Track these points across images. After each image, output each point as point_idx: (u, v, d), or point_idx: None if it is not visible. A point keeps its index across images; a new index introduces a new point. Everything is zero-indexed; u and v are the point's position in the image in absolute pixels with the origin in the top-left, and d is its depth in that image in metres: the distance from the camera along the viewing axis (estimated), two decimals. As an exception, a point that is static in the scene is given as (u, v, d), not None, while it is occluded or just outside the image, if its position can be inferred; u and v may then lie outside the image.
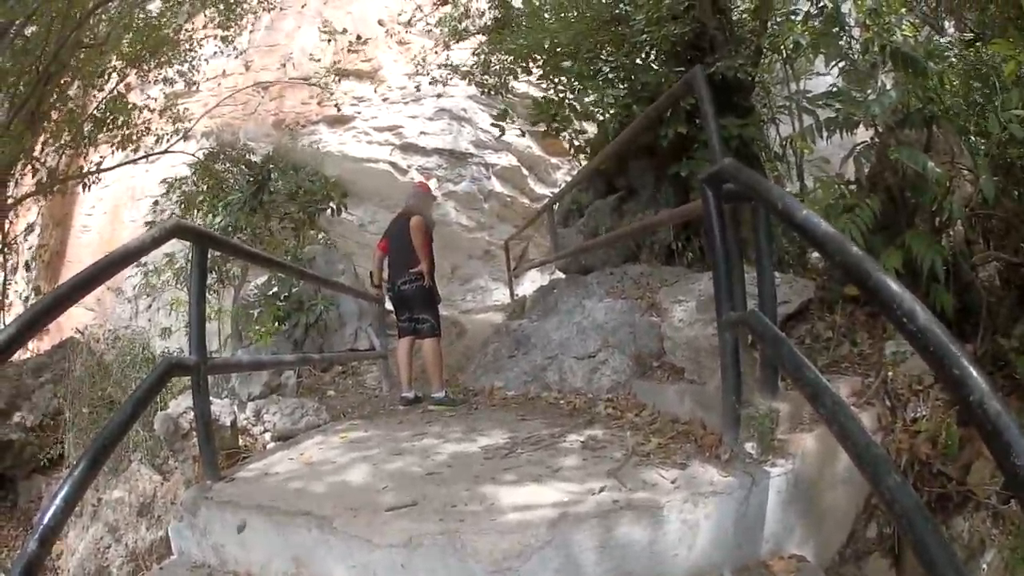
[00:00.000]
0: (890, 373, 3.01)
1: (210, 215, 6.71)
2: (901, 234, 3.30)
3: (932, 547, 1.13)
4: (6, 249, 9.41)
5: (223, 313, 6.69)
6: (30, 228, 10.99)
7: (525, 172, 13.63)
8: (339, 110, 11.99)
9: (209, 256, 6.41)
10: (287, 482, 2.88)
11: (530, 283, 8.15)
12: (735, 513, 2.32)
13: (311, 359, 4.00)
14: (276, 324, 5.73)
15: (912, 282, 3.11)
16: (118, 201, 12.35)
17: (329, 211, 7.04)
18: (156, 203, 8.34)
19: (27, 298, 9.75)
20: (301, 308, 5.96)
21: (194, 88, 10.28)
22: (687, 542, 2.19)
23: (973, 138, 3.60)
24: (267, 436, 4.14)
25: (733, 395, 2.53)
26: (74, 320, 8.30)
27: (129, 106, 9.08)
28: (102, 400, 5.42)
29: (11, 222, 10.24)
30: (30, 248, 11.29)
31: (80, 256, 11.86)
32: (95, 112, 9.01)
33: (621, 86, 5.37)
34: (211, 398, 4.43)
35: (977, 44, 4.02)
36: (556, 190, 13.79)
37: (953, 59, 3.97)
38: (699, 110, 3.34)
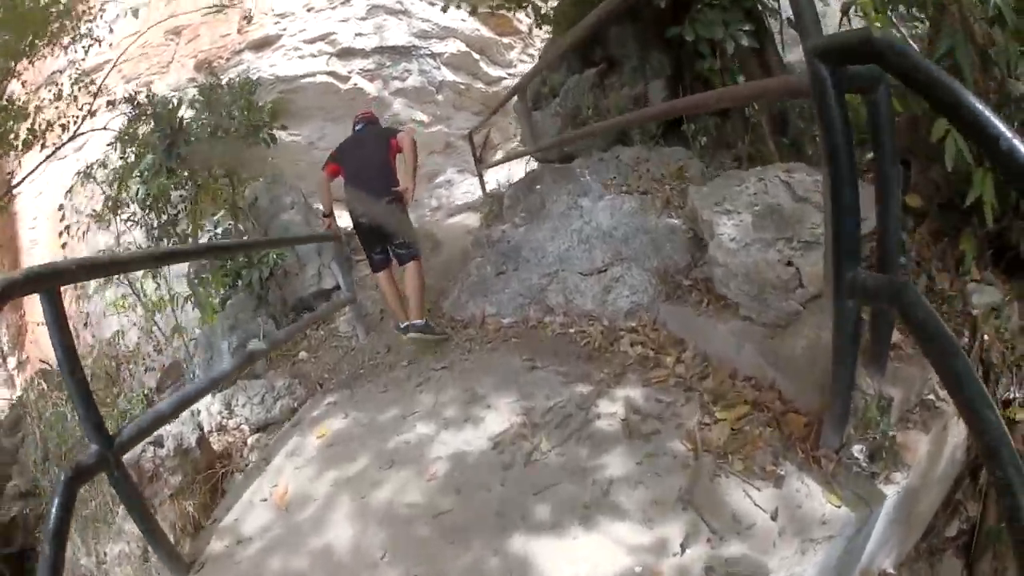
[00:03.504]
0: (986, 337, 2.27)
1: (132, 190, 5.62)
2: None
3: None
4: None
5: (179, 297, 5.70)
6: None
7: (476, 56, 12.60)
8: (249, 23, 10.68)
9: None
10: (265, 559, 2.18)
11: (503, 171, 7.22)
12: (842, 553, 1.77)
13: (259, 353, 3.11)
14: (226, 289, 4.84)
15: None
16: (57, 203, 11.01)
17: (263, 143, 5.81)
18: (60, 206, 7.12)
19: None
20: (251, 263, 4.98)
21: (102, 53, 8.88)
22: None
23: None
24: (245, 429, 3.55)
25: (846, 385, 1.79)
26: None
27: (25, 107, 7.84)
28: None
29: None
30: None
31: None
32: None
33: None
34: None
35: None
36: (512, 71, 12.95)
37: None
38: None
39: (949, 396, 1.30)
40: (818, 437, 1.96)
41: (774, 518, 1.76)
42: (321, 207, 4.66)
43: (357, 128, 4.53)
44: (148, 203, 5.35)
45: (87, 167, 6.50)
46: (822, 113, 1.57)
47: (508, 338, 3.61)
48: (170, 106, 5.55)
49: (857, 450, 1.86)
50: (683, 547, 1.74)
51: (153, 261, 2.49)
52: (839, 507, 1.74)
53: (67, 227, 6.90)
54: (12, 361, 10.82)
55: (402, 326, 4.05)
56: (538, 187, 4.15)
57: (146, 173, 5.26)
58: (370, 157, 4.16)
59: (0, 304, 1.58)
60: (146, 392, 4.67)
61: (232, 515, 2.62)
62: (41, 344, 9.71)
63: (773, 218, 2.54)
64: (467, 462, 2.42)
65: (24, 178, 8.64)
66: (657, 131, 4.27)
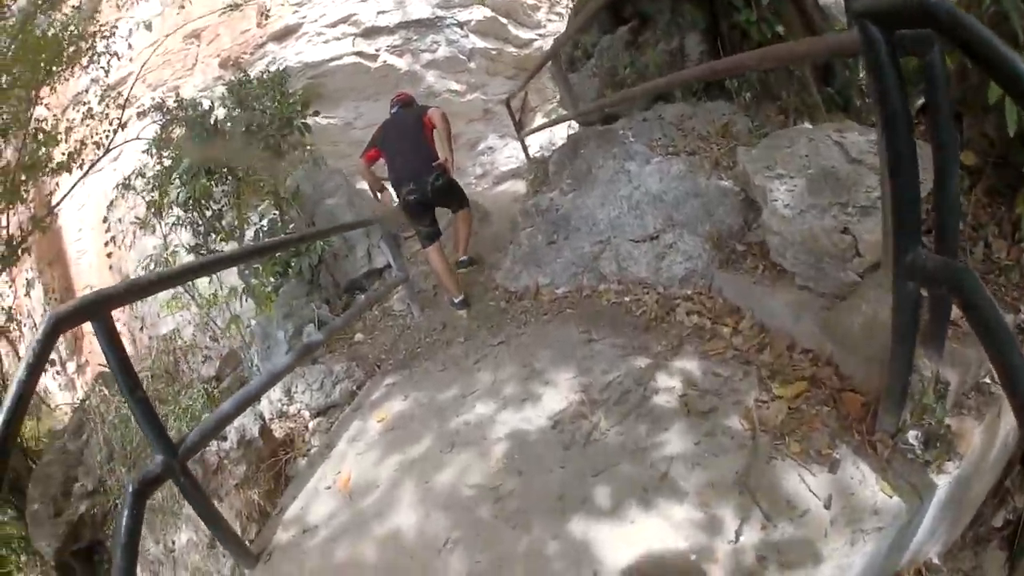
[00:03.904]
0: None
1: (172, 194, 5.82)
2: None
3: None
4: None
5: (235, 289, 5.90)
6: (30, 284, 10.31)
7: (503, 20, 12.31)
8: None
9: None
10: (331, 547, 2.33)
11: (544, 134, 7.07)
12: (891, 544, 1.75)
13: (315, 344, 3.21)
14: (276, 279, 4.99)
15: None
16: (100, 214, 11.42)
17: (297, 132, 5.87)
18: (104, 219, 7.37)
19: (56, 347, 9.36)
20: (299, 252, 5.14)
21: (123, 66, 9.16)
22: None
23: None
24: (306, 414, 3.68)
25: (905, 368, 1.73)
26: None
27: (55, 132, 8.08)
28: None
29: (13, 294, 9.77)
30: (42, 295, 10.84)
31: (89, 281, 11.22)
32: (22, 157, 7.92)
33: None
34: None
35: None
36: (541, 31, 12.77)
37: None
38: None
39: (1004, 392, 1.26)
40: (874, 419, 1.91)
41: (827, 506, 1.75)
42: (368, 189, 4.80)
43: (393, 111, 4.69)
44: (190, 205, 5.53)
45: (125, 179, 6.70)
46: (877, 80, 1.48)
47: (563, 309, 3.64)
48: (200, 109, 5.62)
49: (912, 436, 1.81)
50: (737, 534, 1.76)
51: (201, 271, 2.54)
52: (891, 497, 1.71)
53: (112, 238, 7.25)
54: (72, 366, 11.33)
55: (456, 301, 4.24)
56: (582, 152, 4.07)
57: (184, 176, 5.42)
58: (408, 137, 4.33)
59: (54, 338, 1.66)
60: (205, 385, 4.90)
61: (297, 504, 2.74)
62: (98, 348, 10.33)
63: (828, 182, 2.44)
64: (527, 442, 2.48)
65: (63, 198, 8.98)
66: (699, 86, 4.09)
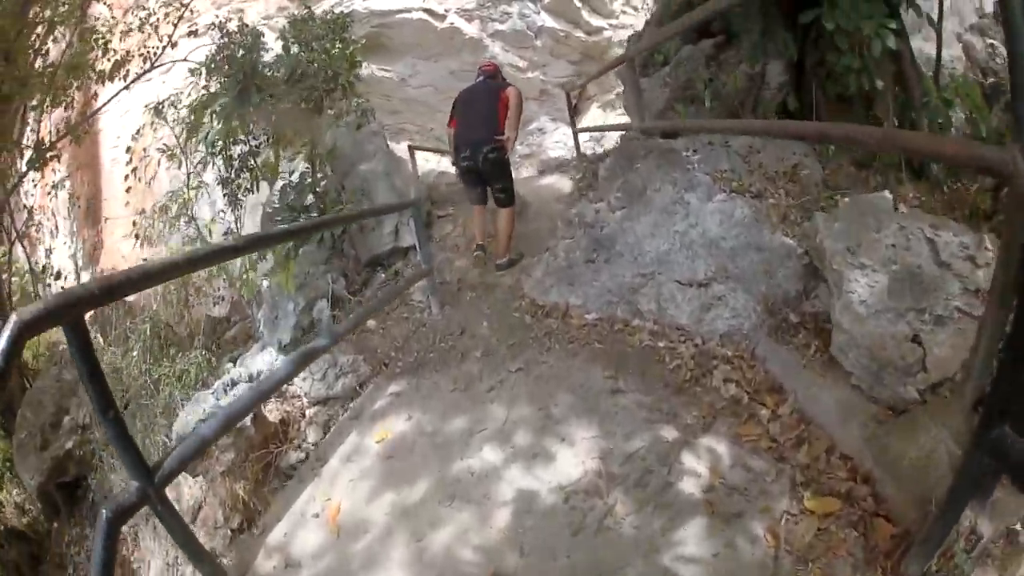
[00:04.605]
0: None
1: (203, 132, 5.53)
2: None
3: None
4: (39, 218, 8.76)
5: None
6: (56, 187, 9.97)
7: (577, 4, 12.04)
8: None
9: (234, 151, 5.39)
10: None
11: (590, 120, 6.73)
12: None
13: (319, 351, 2.92)
14: (297, 252, 4.73)
15: None
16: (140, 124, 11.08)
17: (341, 89, 5.53)
18: (128, 148, 6.99)
19: (74, 254, 9.34)
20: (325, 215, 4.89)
21: None
22: None
23: None
24: (304, 400, 3.55)
25: (950, 522, 1.65)
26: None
27: (106, 37, 7.54)
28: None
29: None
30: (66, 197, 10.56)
31: (117, 192, 10.76)
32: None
33: None
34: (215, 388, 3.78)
35: None
36: (614, 21, 12.41)
37: None
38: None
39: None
40: (902, 557, 1.78)
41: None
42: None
43: (478, 79, 4.89)
44: (218, 149, 5.30)
45: (157, 103, 6.43)
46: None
47: (591, 340, 3.42)
48: (245, 46, 5.32)
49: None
50: None
51: (190, 265, 2.27)
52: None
53: (133, 169, 7.01)
54: (86, 276, 11.22)
55: (477, 243, 4.64)
56: (638, 166, 3.79)
57: (218, 113, 5.18)
58: (480, 107, 4.55)
59: (18, 349, 1.46)
60: (203, 350, 4.83)
61: (282, 528, 2.62)
62: (114, 249, 10.14)
63: (911, 284, 2.19)
64: (535, 512, 2.32)
65: (98, 110, 8.68)
66: (775, 114, 3.77)
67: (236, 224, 5.97)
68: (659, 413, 2.72)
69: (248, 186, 5.73)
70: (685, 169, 3.55)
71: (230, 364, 4.63)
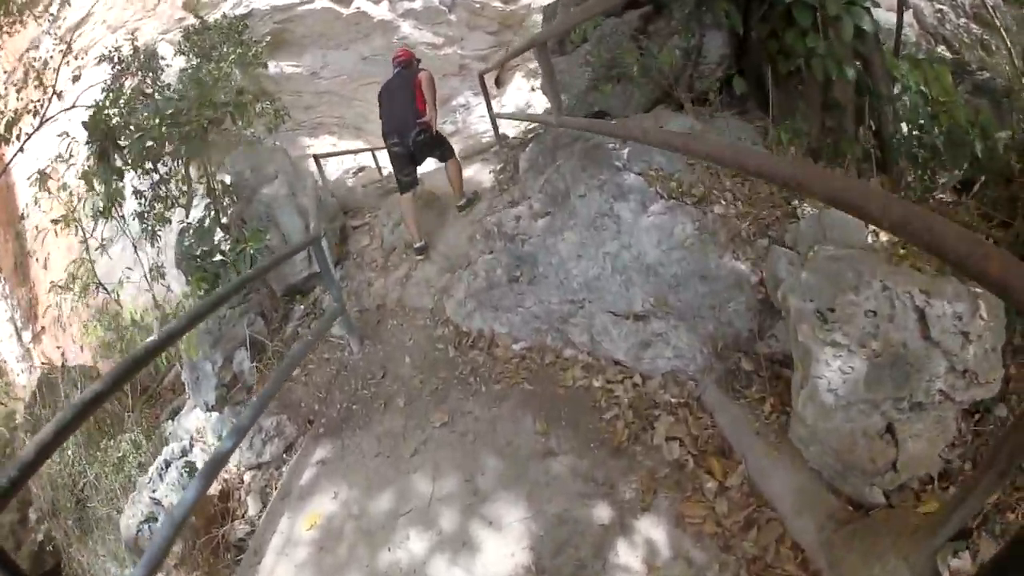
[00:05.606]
0: None
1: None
2: None
3: None
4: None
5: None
6: None
7: None
8: None
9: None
10: None
11: (515, 91, 6.19)
12: None
13: (225, 456, 2.42)
14: (204, 290, 4.12)
15: None
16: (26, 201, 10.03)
17: (229, 118, 4.79)
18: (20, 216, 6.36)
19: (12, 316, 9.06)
20: (226, 261, 4.26)
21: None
22: None
23: None
24: (240, 468, 3.36)
25: None
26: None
27: None
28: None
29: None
30: None
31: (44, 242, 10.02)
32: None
33: None
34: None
35: None
36: None
37: None
38: None
39: None
40: None
41: None
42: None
43: (395, 71, 4.90)
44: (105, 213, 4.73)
45: (40, 172, 5.90)
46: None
47: (519, 378, 3.04)
48: (98, 108, 4.76)
49: None
50: None
51: (96, 403, 1.73)
52: None
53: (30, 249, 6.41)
54: (27, 335, 10.65)
55: (416, 246, 4.51)
56: (560, 163, 3.30)
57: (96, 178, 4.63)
58: (400, 97, 4.65)
59: None
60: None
61: None
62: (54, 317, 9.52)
63: (892, 370, 1.82)
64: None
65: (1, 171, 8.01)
66: (716, 93, 3.33)
67: (159, 256, 5.43)
68: (594, 484, 2.41)
69: (165, 216, 5.27)
70: (613, 167, 3.08)
71: (168, 421, 4.53)
